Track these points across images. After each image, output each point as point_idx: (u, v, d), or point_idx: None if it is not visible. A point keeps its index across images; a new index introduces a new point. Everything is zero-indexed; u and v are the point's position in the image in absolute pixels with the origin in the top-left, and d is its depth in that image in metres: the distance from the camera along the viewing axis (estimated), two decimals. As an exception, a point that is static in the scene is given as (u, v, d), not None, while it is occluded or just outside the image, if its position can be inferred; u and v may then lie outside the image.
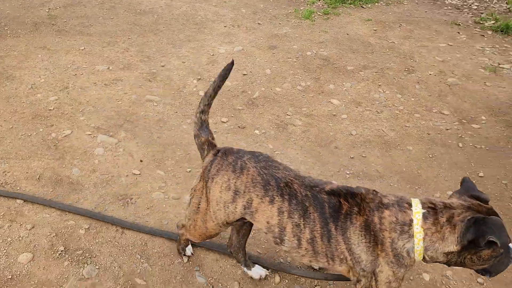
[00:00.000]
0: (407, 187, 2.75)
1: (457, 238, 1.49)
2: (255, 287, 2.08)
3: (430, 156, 3.02)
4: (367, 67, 4.06)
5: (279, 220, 1.65)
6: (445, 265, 1.60)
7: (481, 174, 2.87)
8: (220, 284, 2.09)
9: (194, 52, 4.14)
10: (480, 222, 1.45)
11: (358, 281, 1.64)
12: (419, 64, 4.16)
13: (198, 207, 1.84)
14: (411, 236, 1.53)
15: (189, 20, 4.76)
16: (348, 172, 2.83)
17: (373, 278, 1.61)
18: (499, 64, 4.23)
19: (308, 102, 3.52)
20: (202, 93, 3.55)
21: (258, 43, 4.36)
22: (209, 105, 1.89)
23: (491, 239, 1.40)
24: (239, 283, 2.09)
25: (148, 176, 2.67)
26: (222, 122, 3.22)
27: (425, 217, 1.53)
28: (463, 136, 3.22)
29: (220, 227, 1.83)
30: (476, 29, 4.97)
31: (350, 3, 5.49)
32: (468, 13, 5.41)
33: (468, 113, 3.50)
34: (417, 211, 1.55)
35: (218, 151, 1.80)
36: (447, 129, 3.29)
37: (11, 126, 3.02)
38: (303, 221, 1.62)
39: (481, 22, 5.12)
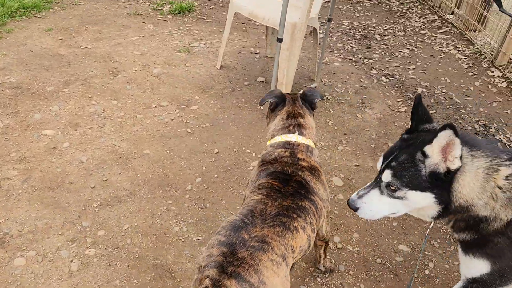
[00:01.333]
0: (160, 192, 2.69)
1: None
2: None
3: (168, 152, 3.03)
4: (70, 82, 3.68)
5: None
6: None
7: (216, 150, 3.08)
8: None
9: None
10: None
11: None
12: (122, 64, 4.05)
13: None
14: None
15: None
16: (95, 205, 2.53)
17: None
18: (189, 44, 4.58)
19: (16, 144, 2.93)
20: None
21: None
22: None
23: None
24: None
25: None
26: None
27: None
28: (188, 121, 3.36)
29: None
30: (158, 16, 5.20)
31: (21, 15, 4.80)
32: (145, 2, 5.58)
33: (183, 97, 3.66)
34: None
35: None
36: (172, 120, 3.37)
37: None
38: None
39: (159, 8, 5.38)
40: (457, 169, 1.45)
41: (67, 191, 2.61)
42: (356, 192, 1.66)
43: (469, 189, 1.48)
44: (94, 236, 2.33)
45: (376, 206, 1.60)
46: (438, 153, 1.44)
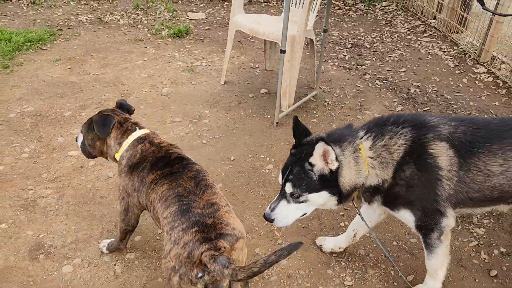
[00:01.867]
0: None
1: None
2: None
3: (188, 162, 3.24)
4: (86, 106, 3.89)
5: None
6: None
7: (232, 157, 3.30)
8: None
9: None
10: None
11: None
12: (131, 86, 4.28)
13: None
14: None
15: None
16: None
17: None
18: (192, 64, 4.84)
19: (45, 166, 3.12)
20: None
21: None
22: None
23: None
24: None
25: None
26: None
27: None
28: (201, 134, 3.58)
29: None
30: (158, 40, 5.47)
31: (27, 49, 5.03)
32: (143, 28, 5.86)
33: (193, 112, 3.89)
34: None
35: None
36: (187, 133, 3.59)
37: None
38: None
39: (157, 33, 5.65)
40: (338, 168, 1.86)
41: (100, 204, 2.80)
42: (269, 206, 1.98)
43: (349, 176, 1.89)
44: (132, 242, 2.51)
45: (286, 213, 1.95)
46: (320, 160, 1.83)
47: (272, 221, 1.97)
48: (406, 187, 1.92)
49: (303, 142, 1.96)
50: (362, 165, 1.89)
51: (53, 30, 5.55)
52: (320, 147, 1.78)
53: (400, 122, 1.94)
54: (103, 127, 2.09)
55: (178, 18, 6.28)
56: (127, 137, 2.10)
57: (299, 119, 2.02)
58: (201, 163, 3.17)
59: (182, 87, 4.32)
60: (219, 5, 6.99)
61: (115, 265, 2.37)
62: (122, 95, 4.12)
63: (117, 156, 2.12)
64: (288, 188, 1.89)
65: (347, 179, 1.89)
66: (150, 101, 4.04)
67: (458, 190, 1.93)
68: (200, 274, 1.57)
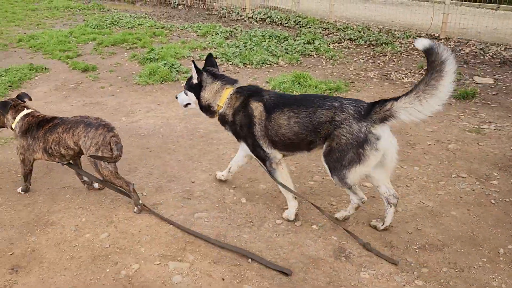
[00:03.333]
0: (472, 249, 2.98)
1: None
2: None
3: (474, 217, 3.33)
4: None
5: None
6: None
7: (525, 223, 3.20)
8: None
9: (215, 163, 4.33)
10: None
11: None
12: (416, 138, 4.66)
13: None
14: None
15: (193, 135, 5.00)
16: (415, 247, 3.03)
17: None
18: (478, 126, 4.87)
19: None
20: (244, 200, 3.69)
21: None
22: None
23: None
24: None
25: (238, 293, 2.67)
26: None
27: None
28: (490, 193, 3.60)
29: None
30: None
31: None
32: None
33: (481, 172, 3.93)
34: None
35: None
36: (473, 190, 3.67)
37: (75, 273, 2.91)
38: None
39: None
40: (200, 84, 3.41)
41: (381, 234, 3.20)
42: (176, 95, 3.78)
43: (206, 96, 3.39)
44: (419, 271, 2.79)
45: (182, 98, 3.62)
46: (194, 76, 3.42)
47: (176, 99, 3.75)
48: (239, 126, 3.30)
49: (207, 68, 3.50)
50: (219, 98, 3.36)
51: (347, 82, 6.54)
52: (193, 68, 3.42)
53: (248, 89, 3.34)
54: (3, 108, 3.59)
55: (463, 81, 6.39)
56: (19, 115, 3.58)
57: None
58: (487, 221, 3.25)
59: (468, 146, 4.42)
60: (510, 71, 6.73)
61: (403, 285, 2.69)
62: (408, 143, 4.53)
63: (13, 126, 3.60)
64: (184, 86, 3.66)
65: (205, 95, 3.42)
66: (434, 153, 4.31)
67: (265, 134, 3.15)
68: (113, 145, 3.29)
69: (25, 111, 3.62)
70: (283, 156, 3.28)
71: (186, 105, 3.65)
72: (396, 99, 2.73)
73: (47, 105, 5.90)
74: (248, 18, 10.74)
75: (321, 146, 3.03)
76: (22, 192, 3.88)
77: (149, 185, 3.99)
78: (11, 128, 3.65)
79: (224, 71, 7.08)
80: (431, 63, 2.59)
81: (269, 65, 7.38)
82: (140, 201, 3.53)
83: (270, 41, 8.42)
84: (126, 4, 14.52)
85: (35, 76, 7.13)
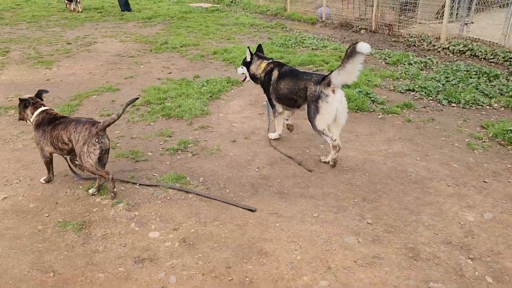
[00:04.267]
0: None
1: None
2: None
3: None
4: None
5: None
6: None
7: None
8: None
9: (438, 219, 3.71)
10: None
11: None
12: None
13: None
14: None
15: (404, 178, 4.44)
16: None
17: None
18: None
19: None
20: (490, 280, 2.99)
21: (508, 208, 3.85)
22: None
23: None
24: None
25: None
26: None
27: None
28: None
29: None
30: None
31: None
32: None
33: None
34: None
35: None
36: None
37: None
38: None
39: None
40: (250, 61, 5.16)
41: None
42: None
43: (253, 69, 5.11)
44: None
45: (240, 70, 5.33)
46: (248, 56, 5.17)
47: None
48: (265, 83, 4.96)
49: (256, 53, 5.20)
50: (259, 69, 5.01)
51: None
52: (248, 51, 5.15)
53: (274, 62, 5.01)
54: (22, 105, 4.08)
55: None
56: (36, 111, 4.02)
57: None
58: None
59: None
60: None
61: None
62: None
63: (31, 120, 4.04)
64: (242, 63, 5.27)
65: (252, 68, 5.10)
66: None
67: (274, 91, 4.84)
68: (96, 140, 3.70)
69: (42, 108, 4.11)
70: (284, 109, 5.06)
71: (244, 80, 5.33)
72: (331, 72, 4.29)
73: (244, 120, 6.01)
74: (443, 49, 9.77)
75: (304, 105, 4.66)
76: (44, 182, 4.29)
77: (364, 231, 3.57)
78: (31, 122, 4.11)
79: (424, 107, 6.40)
80: (347, 53, 4.05)
81: (481, 107, 6.41)
82: (115, 189, 3.98)
83: (478, 78, 7.40)
84: (306, 24, 14.78)
85: (231, 89, 7.44)
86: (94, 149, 3.70)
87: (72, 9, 17.12)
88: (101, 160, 3.85)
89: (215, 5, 20.49)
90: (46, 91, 4.31)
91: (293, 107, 4.84)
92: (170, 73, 8.50)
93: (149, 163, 4.75)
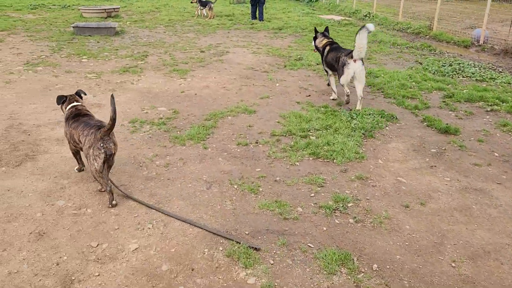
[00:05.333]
0: None
1: None
2: None
3: None
4: None
5: None
6: None
7: None
8: None
9: None
10: None
11: None
12: None
13: None
14: None
15: None
16: None
17: None
18: None
19: None
20: None
21: None
22: None
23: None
24: None
25: None
26: None
27: None
28: None
29: None
30: None
31: None
32: None
33: None
34: None
35: None
36: None
37: None
38: None
39: None
40: (316, 38, 7.53)
41: None
42: None
43: (317, 43, 7.44)
44: None
45: (313, 43, 7.71)
46: (316, 33, 7.58)
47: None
48: (323, 55, 7.20)
49: (323, 33, 7.55)
50: (321, 43, 7.28)
51: None
52: (315, 31, 7.60)
53: (331, 40, 7.36)
54: (58, 100, 4.36)
55: None
56: (69, 105, 4.30)
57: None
58: None
59: None
60: None
61: None
62: None
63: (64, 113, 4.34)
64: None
65: (317, 42, 7.46)
66: None
67: (325, 60, 7.21)
68: (101, 144, 3.71)
69: (74, 104, 4.30)
70: (332, 73, 7.16)
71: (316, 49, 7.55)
72: (351, 51, 6.39)
73: (411, 173, 4.75)
74: None
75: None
76: (77, 171, 4.50)
77: None
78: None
79: None
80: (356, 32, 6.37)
81: None
82: (114, 202, 3.88)
83: None
84: (456, 47, 12.82)
85: (386, 125, 6.19)
86: (99, 153, 3.72)
87: (203, 14, 17.25)
88: (107, 162, 3.88)
89: (347, 18, 19.28)
90: (84, 93, 4.60)
91: (334, 70, 6.91)
92: (309, 96, 7.55)
93: (300, 223, 3.76)
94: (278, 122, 6.20)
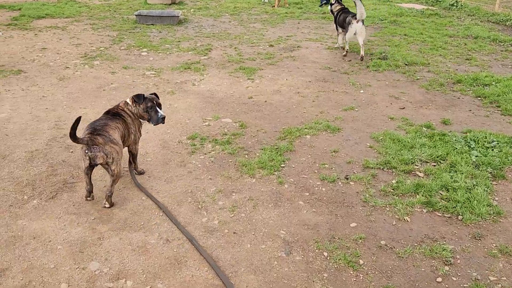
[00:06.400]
0: None
1: None
2: None
3: None
4: None
5: None
6: None
7: None
8: None
9: None
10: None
11: None
12: None
13: None
14: None
15: None
16: None
17: None
18: None
19: None
20: None
21: None
22: None
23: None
24: None
25: None
26: None
27: None
28: None
29: None
30: None
31: None
32: None
33: None
34: None
35: None
36: None
37: None
38: None
39: None
40: (332, 4, 9.27)
41: None
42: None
43: (331, 8, 9.48)
44: None
45: (329, 7, 10.03)
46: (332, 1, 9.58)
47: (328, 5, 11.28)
48: (336, 17, 9.00)
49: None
50: (336, 8, 9.03)
51: None
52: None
53: (343, 6, 9.10)
54: (137, 98, 3.93)
55: None
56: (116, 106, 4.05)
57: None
58: None
59: None
60: None
61: None
62: None
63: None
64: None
65: (332, 7, 9.24)
66: None
67: (337, 21, 9.01)
68: (86, 151, 3.40)
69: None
70: (342, 31, 8.82)
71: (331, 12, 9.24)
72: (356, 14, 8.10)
73: None
74: None
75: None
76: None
77: None
78: None
79: None
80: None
81: None
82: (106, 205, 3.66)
83: None
84: None
85: (516, 159, 4.66)
86: (84, 157, 3.43)
87: (277, 5, 15.87)
88: (105, 169, 3.56)
89: (430, 7, 17.11)
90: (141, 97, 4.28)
91: (343, 28, 8.65)
92: (404, 108, 6.13)
93: (428, 336, 2.50)
94: (371, 146, 4.90)
